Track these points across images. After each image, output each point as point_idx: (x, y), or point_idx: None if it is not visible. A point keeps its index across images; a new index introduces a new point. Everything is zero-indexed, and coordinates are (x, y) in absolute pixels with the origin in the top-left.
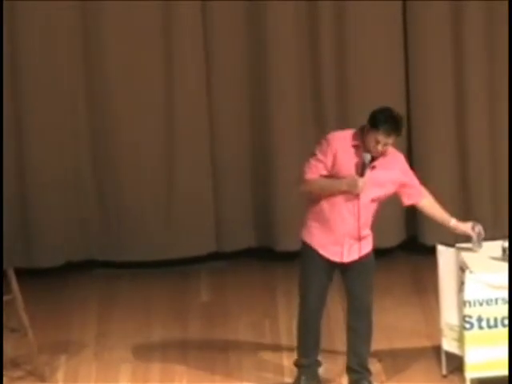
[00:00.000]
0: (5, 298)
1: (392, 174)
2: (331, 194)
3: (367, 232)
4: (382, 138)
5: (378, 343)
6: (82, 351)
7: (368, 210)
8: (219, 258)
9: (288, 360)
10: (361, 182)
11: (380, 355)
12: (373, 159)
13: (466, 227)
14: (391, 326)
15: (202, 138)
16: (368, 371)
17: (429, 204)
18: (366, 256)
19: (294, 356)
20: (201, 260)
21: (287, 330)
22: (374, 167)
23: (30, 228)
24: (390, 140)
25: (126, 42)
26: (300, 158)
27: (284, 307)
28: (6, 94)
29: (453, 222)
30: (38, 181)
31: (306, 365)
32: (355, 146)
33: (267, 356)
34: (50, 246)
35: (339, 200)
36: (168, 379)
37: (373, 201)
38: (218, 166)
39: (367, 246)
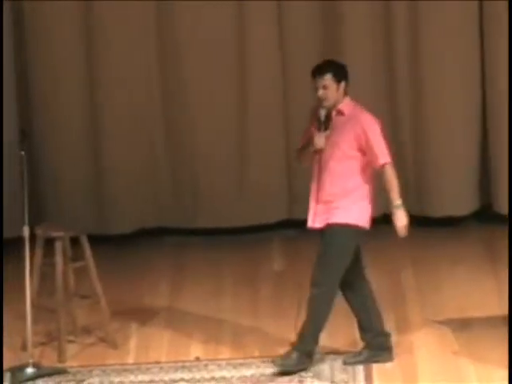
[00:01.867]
0: (78, 264)
1: (347, 134)
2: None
3: (339, 202)
4: (316, 81)
5: (450, 312)
6: (153, 319)
7: (334, 174)
8: (291, 226)
9: None
10: (317, 136)
11: (452, 324)
12: (330, 117)
13: (395, 219)
14: (463, 296)
15: (275, 109)
16: (301, 341)
17: (383, 177)
18: (331, 227)
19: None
20: (273, 228)
21: None
22: (328, 126)
23: (103, 195)
24: (325, 81)
25: (200, 40)
26: None
27: None
28: (84, 84)
29: (393, 207)
30: (113, 151)
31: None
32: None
33: (338, 325)
34: (123, 212)
35: (313, 162)
36: (239, 347)
37: (337, 162)
38: (291, 132)
39: (335, 217)
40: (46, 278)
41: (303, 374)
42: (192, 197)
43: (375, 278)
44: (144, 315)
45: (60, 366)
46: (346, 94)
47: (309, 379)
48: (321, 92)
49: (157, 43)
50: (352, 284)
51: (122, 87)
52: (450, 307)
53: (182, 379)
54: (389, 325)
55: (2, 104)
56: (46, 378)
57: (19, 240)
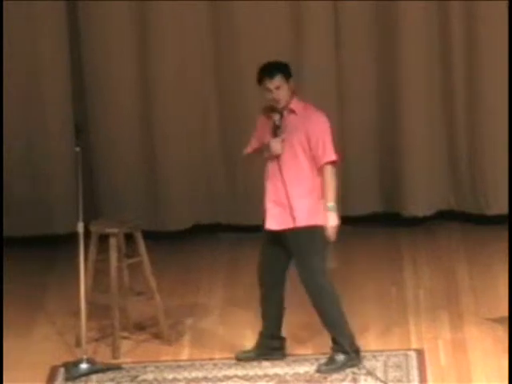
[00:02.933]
0: (132, 260)
1: (300, 134)
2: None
3: (299, 203)
4: (267, 83)
5: (505, 311)
6: (207, 315)
7: (290, 174)
8: (344, 223)
9: (415, 328)
10: (273, 142)
11: (507, 323)
12: (282, 117)
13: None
14: None
15: (330, 103)
16: (335, 342)
17: (323, 175)
18: (299, 232)
19: (422, 323)
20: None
21: (414, 297)
22: (281, 127)
23: (157, 191)
24: (276, 82)
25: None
26: (427, 125)
27: (411, 274)
28: (139, 80)
29: (326, 208)
30: (168, 148)
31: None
32: (270, 111)
33: (393, 324)
34: (178, 209)
35: (269, 165)
36: (293, 344)
37: (293, 162)
38: (346, 129)
39: (299, 220)
40: (100, 274)
41: (356, 371)
42: (246, 193)
43: (430, 276)
44: (198, 311)
45: (114, 362)
46: (294, 93)
47: (362, 377)
48: (275, 93)
49: (212, 35)
50: (276, 284)
51: (177, 83)
52: (504, 306)
53: (236, 376)
54: (443, 323)
55: (2, 104)
56: (99, 374)
57: (73, 236)
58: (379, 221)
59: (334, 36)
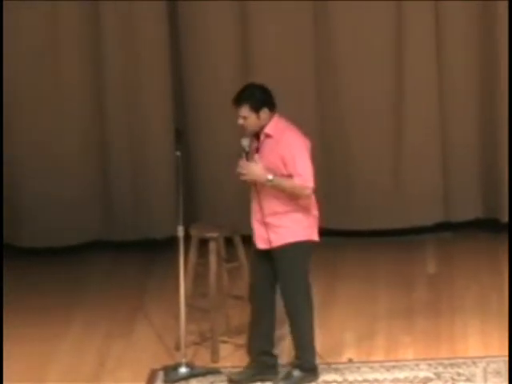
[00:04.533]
0: (231, 265)
1: (276, 157)
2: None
3: (282, 222)
4: (237, 111)
5: None
6: None
7: (270, 195)
8: (446, 229)
9: None
10: (241, 167)
11: None
12: (258, 139)
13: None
14: None
15: (431, 109)
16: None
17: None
18: (283, 250)
19: None
20: (427, 230)
21: None
22: (257, 150)
23: None
24: (242, 112)
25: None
26: None
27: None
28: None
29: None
30: None
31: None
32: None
33: (493, 330)
34: None
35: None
36: (393, 349)
37: (271, 186)
38: (448, 135)
39: (283, 238)
40: (199, 278)
41: (456, 377)
42: (346, 198)
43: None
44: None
45: (213, 366)
46: (272, 114)
47: (461, 383)
48: (241, 121)
49: (313, 41)
50: (267, 302)
51: (278, 84)
52: None
53: (335, 381)
54: None
55: (3, 105)
56: (199, 378)
57: (172, 240)
58: (480, 227)
59: (435, 36)
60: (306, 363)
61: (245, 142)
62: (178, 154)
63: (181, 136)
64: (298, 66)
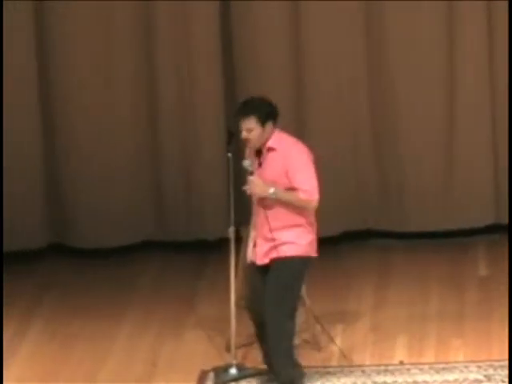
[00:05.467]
0: None
1: (279, 171)
2: None
3: (285, 237)
4: (241, 124)
5: None
6: (358, 321)
7: (274, 209)
8: (497, 231)
9: None
10: (247, 182)
11: None
12: (259, 153)
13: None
14: None
15: (483, 111)
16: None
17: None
18: (281, 261)
19: None
20: (479, 232)
21: None
22: (260, 165)
23: None
24: (248, 124)
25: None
26: None
27: None
28: (290, 84)
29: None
30: (317, 151)
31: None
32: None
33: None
34: (326, 215)
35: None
36: (443, 351)
37: (276, 200)
38: (499, 137)
39: (283, 252)
40: None
41: (506, 379)
42: (398, 199)
43: None
44: (349, 317)
45: (263, 367)
46: (275, 128)
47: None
48: (244, 134)
49: (365, 41)
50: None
51: (329, 87)
52: None
53: (385, 383)
54: None
55: (3, 105)
56: (249, 379)
57: (223, 241)
58: None
59: (488, 36)
60: (286, 376)
61: (246, 163)
62: (230, 155)
63: (232, 137)
64: (349, 66)
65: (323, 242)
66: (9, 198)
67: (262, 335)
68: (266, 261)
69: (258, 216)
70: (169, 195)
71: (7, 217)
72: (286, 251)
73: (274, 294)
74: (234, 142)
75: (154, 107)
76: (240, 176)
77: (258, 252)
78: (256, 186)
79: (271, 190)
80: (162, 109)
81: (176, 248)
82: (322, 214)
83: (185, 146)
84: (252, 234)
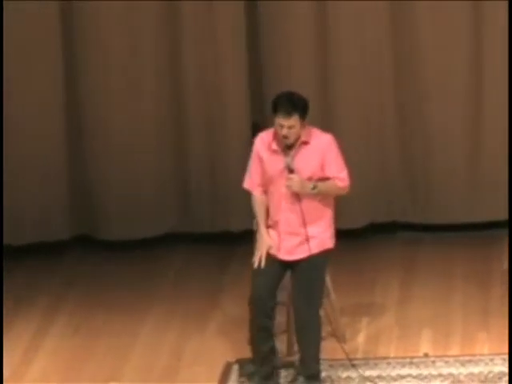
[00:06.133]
0: None
1: (311, 164)
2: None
3: (314, 231)
4: (282, 121)
5: None
6: (383, 315)
7: (306, 204)
8: None
9: None
10: (288, 180)
11: None
12: (291, 147)
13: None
14: None
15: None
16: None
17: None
18: (314, 258)
19: None
20: (504, 225)
21: None
22: (293, 168)
23: None
24: (292, 122)
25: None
26: None
27: None
28: (316, 77)
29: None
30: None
31: None
32: (275, 142)
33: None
34: (353, 206)
35: (279, 198)
36: (468, 345)
37: (317, 193)
38: None
39: (315, 248)
40: None
41: None
42: (425, 191)
43: None
44: (374, 311)
45: (288, 359)
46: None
47: None
48: (285, 131)
49: (390, 40)
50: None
51: (354, 86)
52: None
53: (410, 375)
54: None
55: (2, 104)
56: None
57: (248, 234)
58: None
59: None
60: (314, 369)
61: (288, 161)
62: None
63: (258, 129)
64: (375, 64)
65: (348, 235)
66: (35, 189)
67: (271, 328)
68: (295, 257)
69: (281, 211)
70: (194, 187)
71: (32, 208)
72: (316, 246)
73: (306, 289)
74: (259, 134)
75: (180, 102)
76: None
77: (284, 247)
78: (297, 183)
79: (311, 186)
80: (187, 103)
81: (201, 240)
82: (348, 206)
83: (210, 139)
84: (263, 229)
